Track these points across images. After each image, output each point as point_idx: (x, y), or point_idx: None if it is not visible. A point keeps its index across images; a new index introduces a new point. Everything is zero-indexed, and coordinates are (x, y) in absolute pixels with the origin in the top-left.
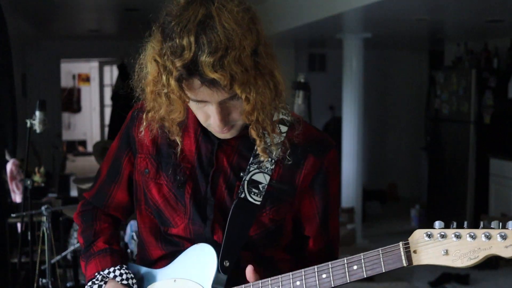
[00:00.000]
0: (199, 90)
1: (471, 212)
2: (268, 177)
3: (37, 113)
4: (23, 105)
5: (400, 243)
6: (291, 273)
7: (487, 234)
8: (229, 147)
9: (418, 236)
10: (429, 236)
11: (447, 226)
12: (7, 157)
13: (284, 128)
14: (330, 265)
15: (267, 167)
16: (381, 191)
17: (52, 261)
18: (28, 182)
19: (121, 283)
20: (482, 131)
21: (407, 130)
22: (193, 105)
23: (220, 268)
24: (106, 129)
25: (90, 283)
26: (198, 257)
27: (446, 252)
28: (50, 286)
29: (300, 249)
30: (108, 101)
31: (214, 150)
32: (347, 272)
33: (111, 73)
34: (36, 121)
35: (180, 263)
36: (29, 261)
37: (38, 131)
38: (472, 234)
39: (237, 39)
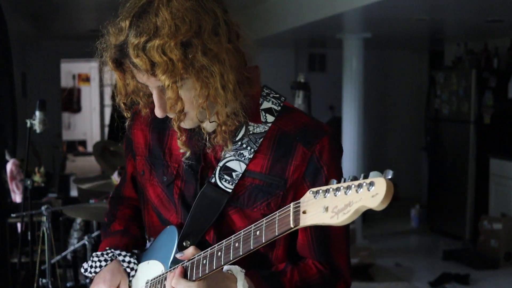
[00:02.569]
0: (135, 73)
1: (471, 212)
2: (244, 166)
3: (37, 113)
4: (23, 105)
5: (291, 204)
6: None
7: (360, 185)
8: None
9: (308, 195)
10: (315, 193)
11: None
12: (7, 157)
13: (270, 118)
14: (242, 232)
15: (245, 156)
16: None
17: (52, 261)
18: (28, 182)
19: (124, 269)
20: (482, 131)
21: (407, 130)
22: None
23: (179, 248)
24: (106, 129)
25: (99, 253)
26: (165, 239)
27: (326, 209)
28: (50, 286)
29: (295, 247)
30: (108, 101)
31: (201, 147)
32: (251, 239)
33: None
34: (36, 121)
35: (153, 245)
36: (29, 261)
37: (38, 131)
38: (348, 186)
39: (166, 28)
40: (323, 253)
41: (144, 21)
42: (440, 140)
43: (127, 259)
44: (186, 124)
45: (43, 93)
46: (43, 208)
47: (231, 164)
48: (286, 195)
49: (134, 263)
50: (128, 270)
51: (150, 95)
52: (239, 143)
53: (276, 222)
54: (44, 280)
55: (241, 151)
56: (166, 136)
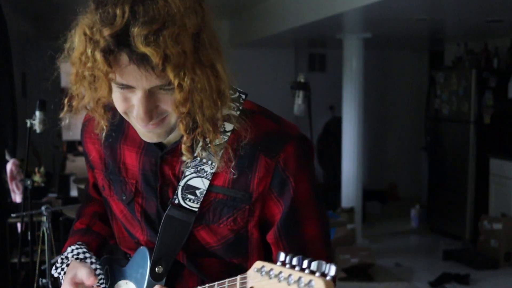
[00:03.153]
0: (126, 69)
1: (471, 212)
2: (207, 182)
3: (37, 113)
4: (23, 105)
5: (238, 277)
6: None
7: (300, 281)
8: (174, 158)
9: (253, 272)
10: (260, 270)
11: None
12: (7, 157)
13: (229, 126)
14: None
15: (206, 171)
16: (381, 191)
17: (52, 261)
18: (28, 182)
19: (75, 259)
20: (482, 131)
21: (407, 130)
22: (115, 91)
23: (151, 274)
24: None
25: (58, 263)
26: (139, 261)
27: None
28: (50, 286)
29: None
30: None
31: (158, 163)
32: None
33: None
34: (36, 121)
35: (130, 264)
36: (29, 261)
37: (38, 131)
38: (290, 279)
39: (178, 15)
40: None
41: (150, 6)
42: (440, 140)
43: (69, 249)
44: (161, 135)
45: (43, 93)
46: (43, 208)
47: (193, 182)
48: (252, 209)
49: (78, 248)
50: (76, 256)
51: (109, 108)
52: (198, 158)
53: None
54: (44, 280)
55: (202, 167)
56: (118, 149)
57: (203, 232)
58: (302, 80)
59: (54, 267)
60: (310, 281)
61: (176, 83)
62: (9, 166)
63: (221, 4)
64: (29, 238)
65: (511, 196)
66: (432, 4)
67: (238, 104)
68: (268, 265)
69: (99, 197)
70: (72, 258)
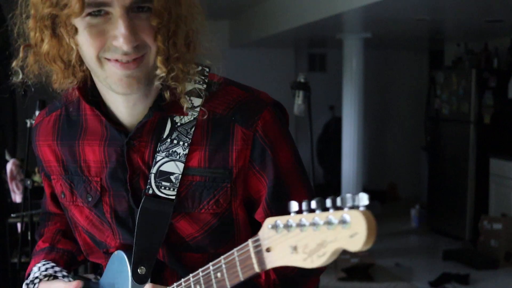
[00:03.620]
0: None
1: (471, 212)
2: (181, 165)
3: (37, 113)
4: (23, 105)
5: (249, 241)
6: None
7: (329, 221)
8: (142, 143)
9: (267, 229)
10: (275, 227)
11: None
12: (7, 157)
13: (197, 101)
14: (200, 273)
15: (179, 153)
16: (381, 191)
17: None
18: (28, 182)
19: (44, 275)
20: (482, 131)
21: (407, 130)
22: (85, 29)
23: (134, 277)
24: None
25: (24, 285)
26: (116, 268)
27: (295, 249)
28: None
29: None
30: None
31: (124, 151)
32: (214, 283)
33: None
34: None
35: (106, 276)
36: (29, 261)
37: None
38: (315, 222)
39: None
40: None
41: None
42: (440, 140)
43: (35, 268)
44: (140, 79)
45: (43, 93)
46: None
47: (166, 167)
48: (234, 187)
49: (45, 264)
50: (45, 272)
51: (83, 74)
52: (168, 140)
53: (238, 264)
54: None
55: (174, 149)
56: (77, 147)
57: (183, 222)
58: (302, 80)
59: None
60: (342, 217)
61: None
62: (9, 166)
63: (221, 4)
64: (29, 238)
65: (511, 196)
66: (432, 4)
67: (203, 77)
68: (282, 218)
69: (59, 210)
70: (41, 276)
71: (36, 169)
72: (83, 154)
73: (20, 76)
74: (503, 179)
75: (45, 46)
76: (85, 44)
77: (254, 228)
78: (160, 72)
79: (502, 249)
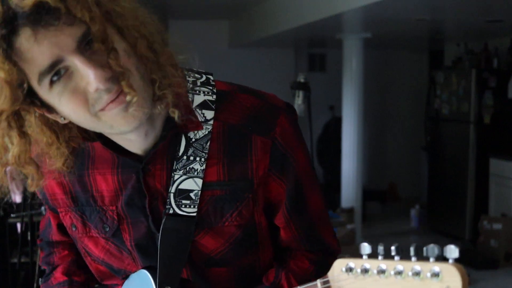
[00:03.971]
0: (37, 44)
1: (471, 212)
2: (200, 181)
3: None
4: None
5: (318, 282)
6: None
7: (417, 271)
8: (157, 166)
9: (338, 269)
10: (349, 270)
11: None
12: None
13: (209, 113)
14: None
15: (197, 170)
16: (381, 191)
17: None
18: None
19: None
20: (482, 131)
21: (407, 130)
22: (54, 97)
23: None
24: None
25: None
26: (139, 285)
27: None
28: None
29: (279, 242)
30: None
31: (140, 178)
32: None
33: None
34: None
35: None
36: (28, 261)
37: None
38: (399, 270)
39: None
40: (313, 241)
41: None
42: (440, 140)
43: None
44: (134, 108)
45: None
46: (42, 208)
47: (184, 185)
48: (255, 196)
49: None
50: None
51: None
52: (184, 157)
53: None
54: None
55: (191, 166)
56: (87, 177)
57: (207, 238)
58: (302, 80)
59: None
60: (433, 269)
61: (87, 17)
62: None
63: (221, 4)
64: (28, 238)
65: (511, 196)
66: (432, 4)
67: (211, 87)
68: (356, 262)
69: (66, 238)
70: None
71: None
72: (94, 184)
73: None
74: (503, 179)
75: (15, 149)
76: (68, 114)
77: (272, 233)
78: (131, 96)
79: (502, 249)
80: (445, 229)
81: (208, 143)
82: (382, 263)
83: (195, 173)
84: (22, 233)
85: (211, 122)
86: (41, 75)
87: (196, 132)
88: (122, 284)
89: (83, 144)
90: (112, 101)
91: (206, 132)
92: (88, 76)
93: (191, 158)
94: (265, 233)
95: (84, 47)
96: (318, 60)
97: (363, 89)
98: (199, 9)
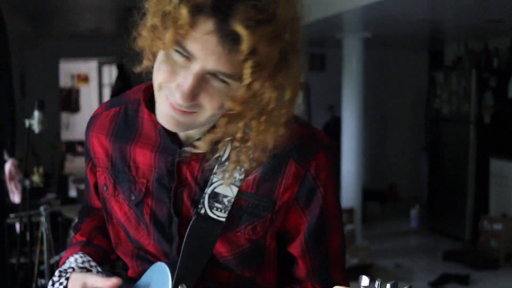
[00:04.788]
0: (202, 37)
1: (471, 212)
2: (235, 189)
3: (36, 113)
4: (21, 105)
5: None
6: None
7: None
8: (193, 156)
9: None
10: None
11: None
12: (6, 157)
13: None
14: None
15: (235, 177)
16: (381, 191)
17: (51, 261)
18: (27, 182)
19: (78, 267)
20: (482, 131)
21: (407, 130)
22: (166, 59)
23: None
24: None
25: (56, 276)
26: (156, 279)
27: None
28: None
29: (288, 269)
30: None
31: (175, 161)
32: None
33: (110, 73)
34: (34, 121)
35: (145, 279)
36: (27, 262)
37: (36, 131)
38: None
39: (281, 21)
40: (323, 279)
41: None
42: (440, 140)
43: (72, 259)
44: (188, 127)
45: (42, 93)
46: (41, 208)
47: (221, 190)
48: (274, 218)
49: (82, 256)
50: (81, 265)
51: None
52: (227, 163)
53: None
54: (42, 281)
55: (231, 173)
56: (129, 146)
57: (218, 241)
58: (302, 80)
59: (50, 283)
60: None
61: (247, 80)
62: (7, 166)
63: None
64: (27, 238)
65: (511, 196)
66: (432, 4)
67: None
68: None
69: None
70: (76, 268)
71: (35, 170)
72: (133, 155)
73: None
74: (503, 179)
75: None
76: (158, 68)
77: (279, 257)
78: (222, 134)
79: (502, 249)
80: (445, 229)
81: (251, 155)
82: None
83: (234, 180)
84: (20, 233)
85: None
86: (179, 45)
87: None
88: (133, 268)
89: (137, 117)
90: (171, 104)
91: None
92: (182, 89)
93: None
94: (272, 255)
95: (214, 73)
96: (318, 60)
97: (363, 89)
98: None
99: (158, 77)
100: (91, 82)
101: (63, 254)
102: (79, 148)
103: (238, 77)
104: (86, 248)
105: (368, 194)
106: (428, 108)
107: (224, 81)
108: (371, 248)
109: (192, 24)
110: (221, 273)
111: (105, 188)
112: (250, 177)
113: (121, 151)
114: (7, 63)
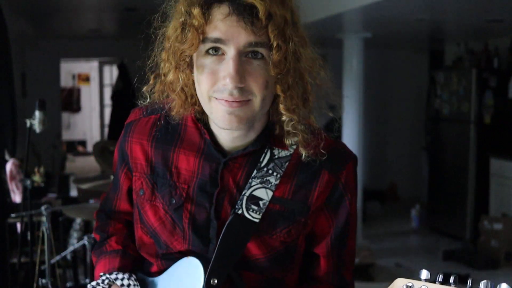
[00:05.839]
0: (223, 22)
1: (471, 212)
2: (270, 193)
3: (37, 113)
4: (22, 105)
5: None
6: None
7: None
8: (236, 165)
9: (399, 286)
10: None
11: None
12: (7, 157)
13: (295, 139)
14: None
15: (271, 183)
16: (381, 191)
17: (52, 261)
18: (28, 182)
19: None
20: (482, 131)
21: (407, 130)
22: (202, 65)
23: (206, 285)
24: (106, 129)
25: (94, 283)
26: (186, 273)
27: None
28: (49, 286)
29: (307, 268)
30: (107, 101)
31: (220, 169)
32: None
33: (111, 73)
34: (35, 121)
35: (169, 278)
36: (28, 261)
37: (37, 131)
38: None
39: None
40: (339, 278)
41: None
42: (440, 140)
43: (125, 282)
44: (241, 122)
45: (43, 93)
46: (42, 208)
47: (258, 193)
48: (307, 222)
49: (135, 284)
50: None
51: (189, 95)
52: (265, 169)
53: None
54: (43, 280)
55: (267, 178)
56: (171, 153)
57: (253, 244)
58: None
59: (94, 283)
60: None
61: (275, 43)
62: (8, 166)
63: None
64: (28, 238)
65: (511, 196)
66: (432, 4)
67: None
68: (416, 282)
69: (130, 208)
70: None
71: (36, 170)
72: (176, 161)
73: (148, 100)
74: (503, 179)
75: (170, 77)
76: (199, 81)
77: (307, 256)
78: (285, 117)
79: (502, 249)
80: (445, 229)
81: (287, 164)
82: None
83: (269, 185)
84: (21, 233)
85: (294, 147)
86: (206, 39)
87: (280, 150)
88: (157, 265)
89: (179, 125)
90: (226, 101)
91: (288, 154)
92: (228, 74)
93: (270, 171)
94: (300, 256)
95: (249, 52)
96: None
97: (363, 89)
98: None
99: (203, 87)
100: (92, 82)
101: (63, 254)
102: (80, 148)
103: (267, 44)
104: (125, 259)
105: (368, 194)
106: (428, 108)
107: (258, 57)
108: (371, 248)
109: (210, 17)
110: (251, 275)
111: (141, 192)
112: (284, 183)
113: (163, 156)
114: (8, 63)
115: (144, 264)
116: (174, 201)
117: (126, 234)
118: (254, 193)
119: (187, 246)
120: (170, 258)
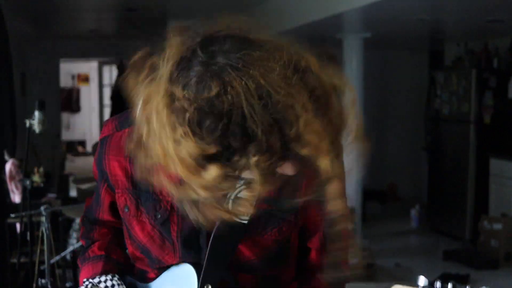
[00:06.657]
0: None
1: (471, 212)
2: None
3: (36, 113)
4: (22, 105)
5: None
6: None
7: None
8: None
9: None
10: None
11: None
12: (6, 157)
13: None
14: None
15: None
16: (381, 191)
17: (51, 261)
18: (27, 182)
19: None
20: (482, 131)
21: (407, 130)
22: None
23: None
24: None
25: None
26: (179, 280)
27: None
28: (49, 286)
29: (302, 261)
30: (107, 101)
31: None
32: None
33: (111, 73)
34: (35, 121)
35: (162, 282)
36: (28, 261)
37: (37, 131)
38: None
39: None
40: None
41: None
42: (440, 140)
43: (109, 283)
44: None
45: (42, 93)
46: (42, 208)
47: (243, 194)
48: (297, 217)
49: (118, 284)
50: None
51: None
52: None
53: None
54: (43, 281)
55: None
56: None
57: (245, 245)
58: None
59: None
60: None
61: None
62: (8, 166)
63: (222, 4)
64: (28, 238)
65: (511, 196)
66: (432, 4)
67: None
68: None
69: (113, 219)
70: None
71: (35, 170)
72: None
73: None
74: (503, 179)
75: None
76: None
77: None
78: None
79: (502, 249)
80: (445, 229)
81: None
82: None
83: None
84: (21, 233)
85: None
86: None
87: None
88: (154, 272)
89: None
90: None
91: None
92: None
93: None
94: (294, 252)
95: None
96: None
97: (363, 89)
98: (198, 9)
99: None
100: (92, 82)
101: (63, 254)
102: (80, 148)
103: None
104: (107, 264)
105: (368, 194)
106: (428, 108)
107: None
108: (371, 248)
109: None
110: (245, 277)
111: (126, 209)
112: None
113: None
114: (8, 63)
115: (139, 272)
116: (159, 216)
117: (110, 239)
118: (239, 194)
119: (179, 260)
120: (164, 268)
